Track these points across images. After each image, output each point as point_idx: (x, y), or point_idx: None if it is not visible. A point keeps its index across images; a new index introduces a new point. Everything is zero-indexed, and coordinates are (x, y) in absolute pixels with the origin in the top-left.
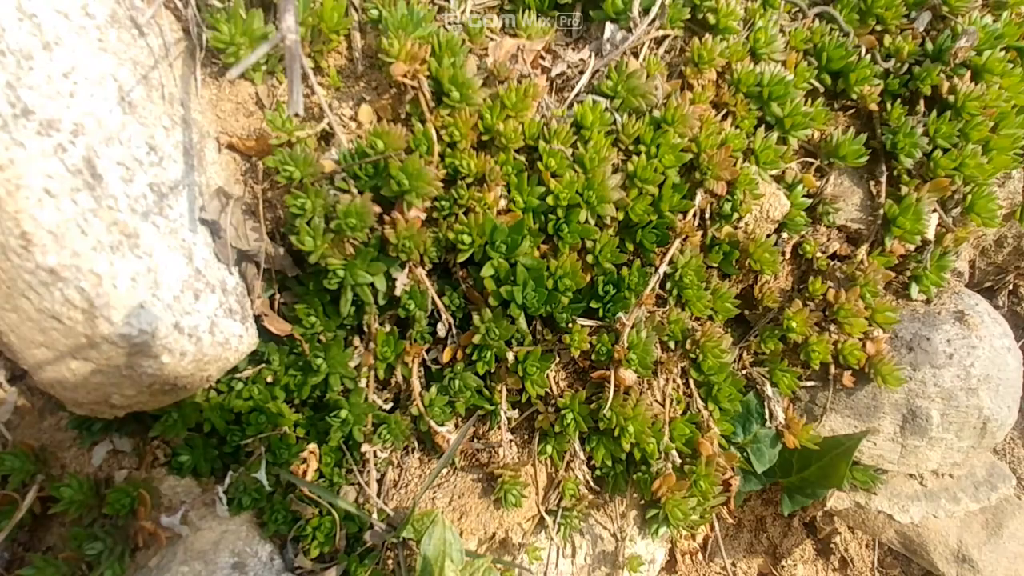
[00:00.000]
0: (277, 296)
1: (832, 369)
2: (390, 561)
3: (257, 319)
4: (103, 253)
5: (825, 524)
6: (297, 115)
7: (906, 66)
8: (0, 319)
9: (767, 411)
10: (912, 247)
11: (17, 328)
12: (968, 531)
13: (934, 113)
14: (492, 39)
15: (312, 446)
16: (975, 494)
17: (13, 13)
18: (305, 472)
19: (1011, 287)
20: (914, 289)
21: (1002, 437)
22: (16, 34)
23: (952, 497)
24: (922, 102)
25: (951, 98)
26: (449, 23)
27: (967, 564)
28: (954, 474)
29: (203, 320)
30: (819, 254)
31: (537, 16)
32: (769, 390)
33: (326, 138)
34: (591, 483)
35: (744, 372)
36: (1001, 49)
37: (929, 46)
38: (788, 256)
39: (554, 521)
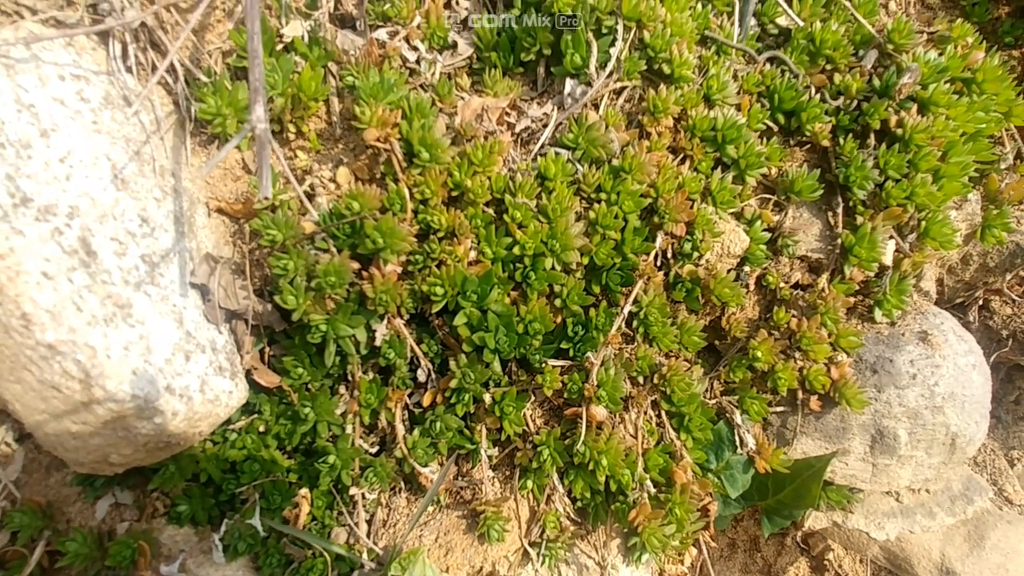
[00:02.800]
0: (267, 349)
1: (800, 394)
2: None
3: (248, 373)
4: (97, 327)
5: (818, 542)
6: (267, 198)
7: (855, 102)
8: (6, 390)
9: (738, 438)
10: (871, 273)
11: (21, 397)
12: (951, 544)
13: (884, 146)
14: (462, 97)
15: (304, 491)
16: (951, 508)
17: (12, 106)
18: (298, 516)
19: (981, 302)
20: (877, 313)
21: (973, 452)
22: (15, 125)
23: (928, 512)
24: (872, 136)
25: (899, 131)
26: (420, 85)
27: None
28: (930, 489)
29: (194, 380)
30: (782, 284)
31: (503, 74)
32: (739, 418)
33: (309, 197)
34: (572, 515)
35: (715, 401)
36: (946, 81)
37: (876, 82)
38: (753, 287)
39: (538, 553)
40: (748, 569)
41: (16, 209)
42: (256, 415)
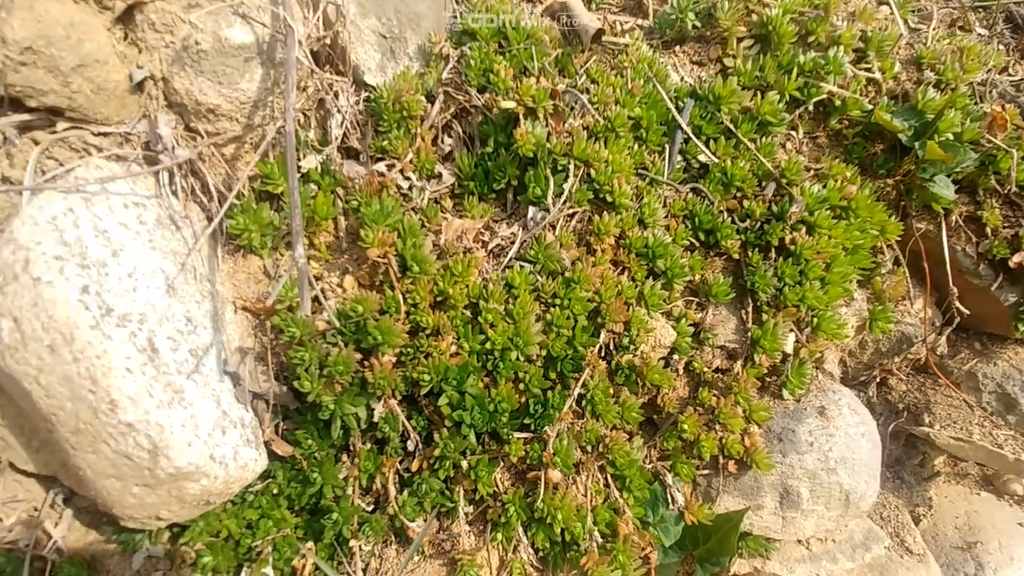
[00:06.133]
0: (281, 424)
1: (720, 459)
2: None
3: (266, 444)
4: (163, 409)
5: None
6: (307, 315)
7: (759, 223)
8: (80, 458)
9: (670, 496)
10: (776, 360)
11: (94, 465)
12: None
13: (781, 258)
14: (446, 218)
15: (310, 544)
16: (852, 555)
17: (91, 232)
18: (304, 566)
19: (879, 380)
20: (785, 392)
21: (867, 506)
22: (94, 248)
23: (832, 558)
24: (773, 250)
25: (792, 247)
26: (412, 208)
27: None
28: (836, 539)
29: (229, 450)
30: (706, 369)
31: (479, 200)
32: (670, 479)
33: (318, 299)
34: (535, 562)
35: (652, 466)
36: (827, 209)
37: (775, 208)
38: (682, 372)
39: None
40: None
41: (104, 318)
42: (271, 479)
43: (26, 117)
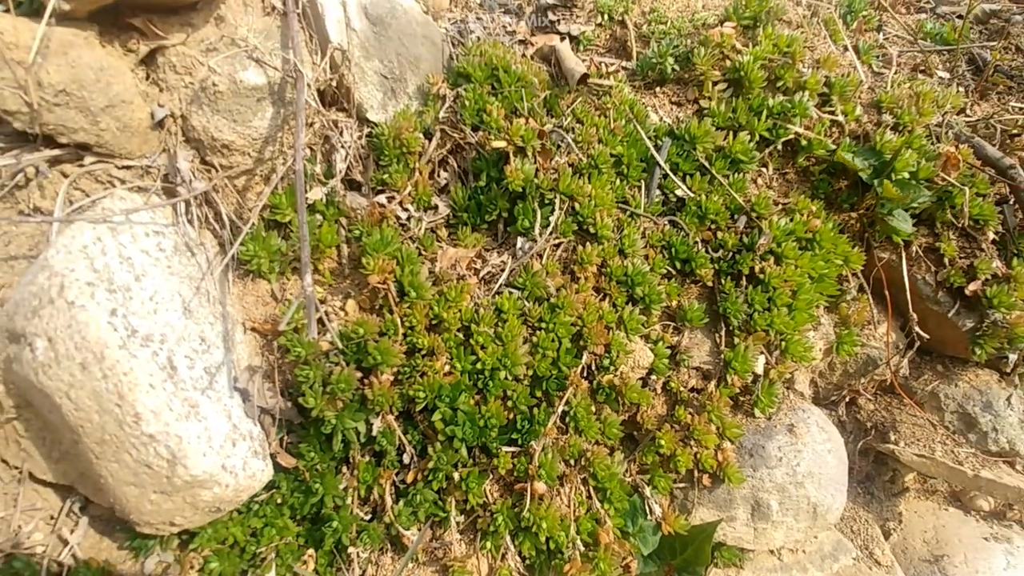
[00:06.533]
0: (286, 437)
1: (695, 473)
2: None
3: (272, 456)
4: (182, 422)
5: None
6: (313, 338)
7: (731, 254)
8: (104, 467)
9: (648, 508)
10: (747, 381)
11: (116, 473)
12: None
13: (751, 286)
14: (441, 247)
15: (310, 551)
16: (821, 565)
17: (117, 259)
18: (305, 571)
19: (848, 400)
20: (756, 410)
21: (834, 519)
22: (120, 274)
23: (802, 568)
24: (744, 278)
25: (762, 276)
26: (409, 237)
27: None
28: (806, 550)
29: (239, 461)
30: (682, 388)
31: (472, 230)
32: (648, 492)
33: (322, 322)
34: (522, 570)
35: (631, 479)
36: (793, 241)
37: (746, 239)
38: (659, 391)
39: None
40: None
41: (130, 339)
42: (275, 490)
43: (57, 152)
